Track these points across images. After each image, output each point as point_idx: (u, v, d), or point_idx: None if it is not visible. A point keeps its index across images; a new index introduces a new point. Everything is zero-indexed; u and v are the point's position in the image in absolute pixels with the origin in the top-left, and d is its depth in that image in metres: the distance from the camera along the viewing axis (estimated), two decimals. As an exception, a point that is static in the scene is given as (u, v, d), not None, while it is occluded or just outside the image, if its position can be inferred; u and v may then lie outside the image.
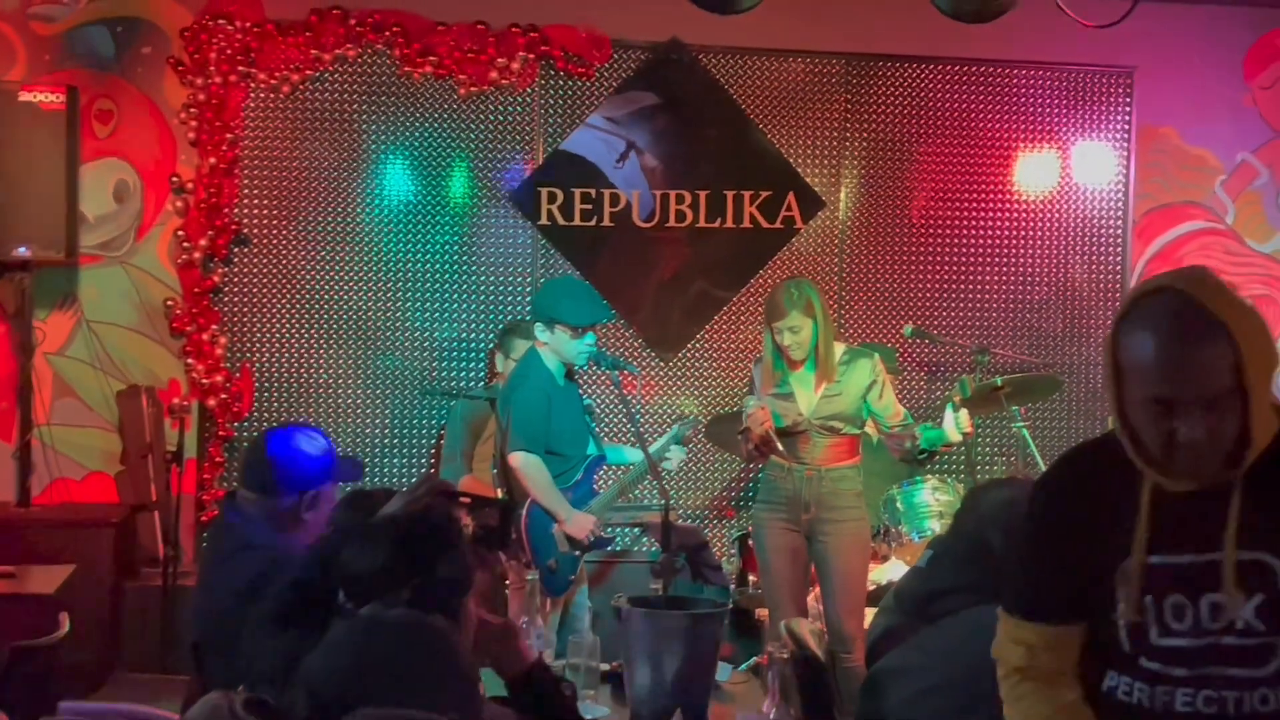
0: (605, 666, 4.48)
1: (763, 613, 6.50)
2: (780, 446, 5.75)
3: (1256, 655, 2.46)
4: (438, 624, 2.88)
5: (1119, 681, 2.59)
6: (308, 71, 7.46)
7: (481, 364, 7.62)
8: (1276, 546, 2.44)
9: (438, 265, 7.65)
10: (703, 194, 7.80)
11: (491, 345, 7.40)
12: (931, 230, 8.06)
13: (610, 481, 6.36)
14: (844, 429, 5.85)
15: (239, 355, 7.46)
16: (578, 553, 5.97)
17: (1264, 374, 2.40)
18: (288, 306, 7.52)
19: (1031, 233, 8.13)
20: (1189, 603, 2.49)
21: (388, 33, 7.49)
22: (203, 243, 7.33)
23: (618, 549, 7.14)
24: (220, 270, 7.42)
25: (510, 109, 7.67)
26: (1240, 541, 2.45)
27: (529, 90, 7.66)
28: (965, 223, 8.09)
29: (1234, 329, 2.37)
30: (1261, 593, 2.44)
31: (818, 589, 6.12)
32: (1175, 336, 2.38)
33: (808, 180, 7.92)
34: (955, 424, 5.72)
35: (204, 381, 7.34)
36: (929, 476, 6.72)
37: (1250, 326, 2.39)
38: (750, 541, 6.92)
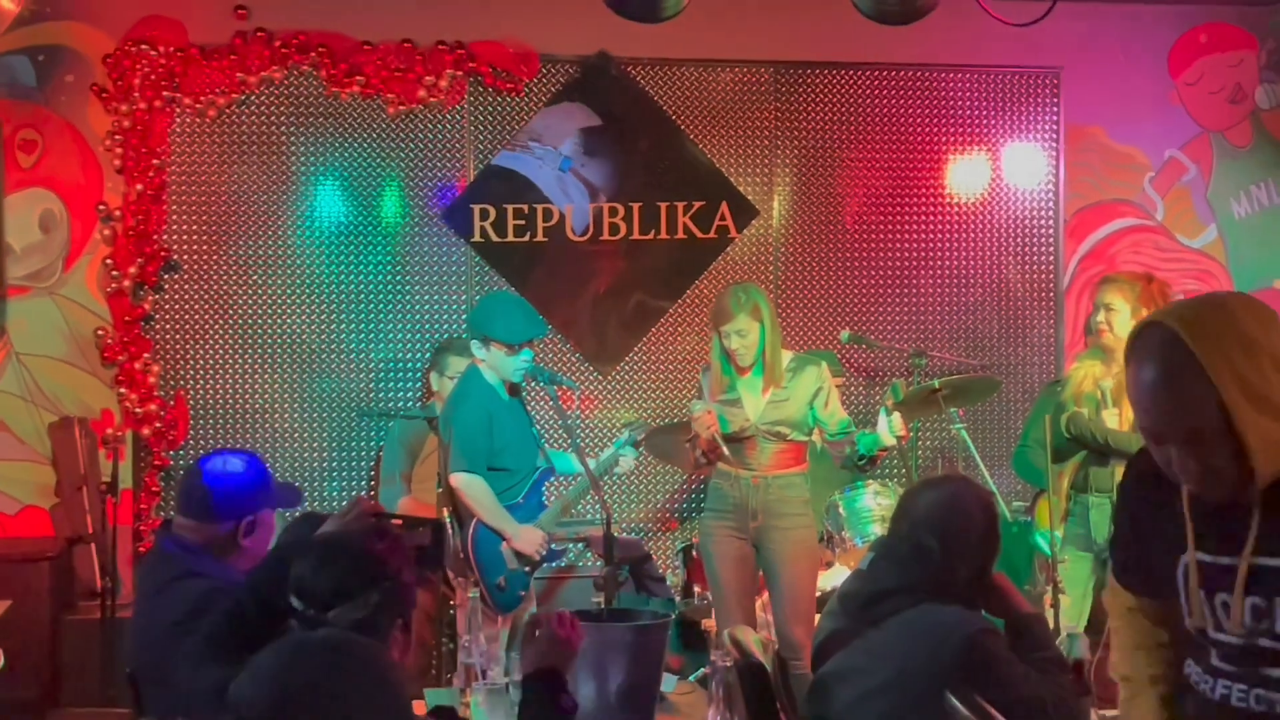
0: (550, 682, 4.44)
1: (709, 623, 6.49)
2: (727, 451, 5.75)
3: None
4: (362, 643, 2.85)
5: (1192, 669, 2.66)
6: (233, 95, 7.40)
7: (419, 384, 7.58)
8: None
9: (372, 286, 7.61)
10: (636, 206, 7.79)
11: (426, 365, 7.37)
12: (865, 235, 8.09)
13: (558, 495, 6.34)
14: (790, 435, 5.86)
15: (172, 383, 7.39)
16: (527, 569, 5.94)
17: (1260, 404, 2.37)
18: (221, 332, 7.45)
19: (964, 235, 8.17)
20: (1235, 603, 2.52)
21: (313, 54, 7.44)
22: (132, 270, 7.25)
23: (564, 564, 7.11)
24: (151, 298, 7.35)
25: (440, 127, 7.64)
26: (1268, 549, 2.48)
27: (458, 108, 7.63)
28: (898, 227, 8.12)
29: (1214, 370, 2.36)
30: None
31: (766, 596, 6.12)
32: (1155, 374, 2.42)
33: (740, 189, 7.93)
34: (889, 428, 5.75)
35: (138, 411, 7.26)
36: (870, 481, 6.73)
37: (1243, 365, 2.37)
38: (695, 553, 6.91)
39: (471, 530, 5.84)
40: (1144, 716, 2.85)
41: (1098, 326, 6.14)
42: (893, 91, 8.11)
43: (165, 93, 7.29)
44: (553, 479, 6.30)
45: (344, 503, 7.36)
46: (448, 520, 5.96)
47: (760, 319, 5.79)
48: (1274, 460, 2.41)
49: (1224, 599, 2.52)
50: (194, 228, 7.43)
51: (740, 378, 5.89)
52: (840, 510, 6.76)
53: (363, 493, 7.44)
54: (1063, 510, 6.14)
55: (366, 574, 3.09)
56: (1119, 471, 6.01)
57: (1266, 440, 2.38)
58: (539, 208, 7.70)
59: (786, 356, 5.94)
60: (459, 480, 5.83)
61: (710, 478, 6.03)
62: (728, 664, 3.87)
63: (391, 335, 7.63)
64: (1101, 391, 6.03)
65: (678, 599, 7.02)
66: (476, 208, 7.66)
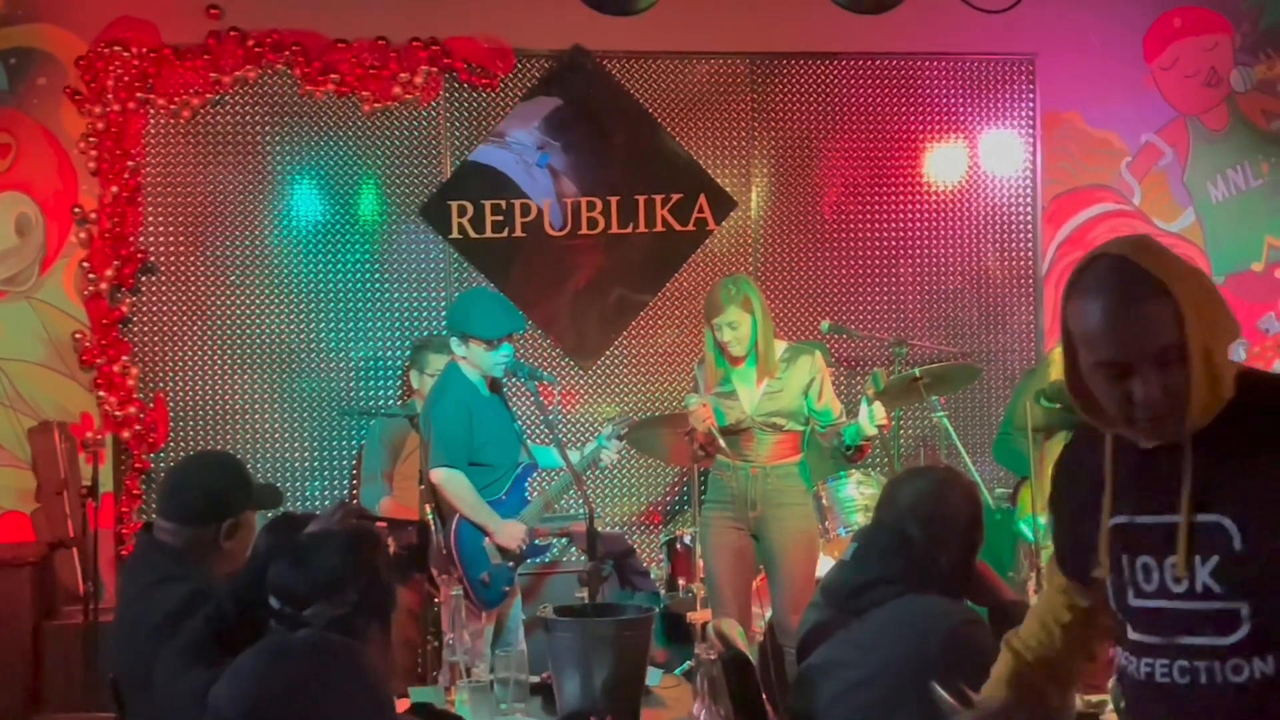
0: (535, 679, 4.45)
1: (695, 616, 6.48)
2: (723, 444, 5.78)
3: (1220, 622, 2.44)
4: (342, 643, 2.85)
5: (1122, 655, 2.62)
6: (208, 95, 7.37)
7: (399, 382, 7.56)
8: (1232, 509, 2.42)
9: (350, 284, 7.58)
10: (614, 200, 7.78)
11: (406, 363, 7.35)
12: (844, 225, 8.09)
13: (540, 491, 6.33)
14: (787, 425, 5.90)
15: (152, 385, 7.36)
16: (511, 564, 5.94)
17: (1210, 332, 2.39)
18: (199, 333, 7.43)
19: (943, 223, 8.17)
20: (1155, 564, 2.49)
21: (287, 52, 7.41)
22: (109, 273, 7.22)
23: (549, 559, 7.11)
24: (128, 300, 7.32)
25: (416, 123, 7.62)
26: (1197, 504, 2.45)
27: (433, 104, 7.61)
28: (877, 216, 8.12)
29: (1173, 287, 2.36)
30: (1217, 555, 2.42)
31: (758, 583, 6.14)
32: (1116, 298, 2.39)
33: (718, 181, 7.92)
34: (870, 418, 5.77)
35: (117, 414, 7.23)
36: (853, 471, 6.73)
37: (1193, 286, 2.39)
38: (679, 546, 6.93)
39: (454, 526, 5.83)
40: (994, 672, 2.91)
41: None
42: (869, 81, 8.10)
43: (139, 94, 7.26)
44: (535, 474, 6.30)
45: (326, 502, 7.37)
46: (430, 518, 5.97)
47: (751, 310, 5.82)
48: (1215, 386, 2.41)
49: (1145, 561, 2.50)
50: (170, 229, 7.40)
51: (734, 369, 5.92)
52: (824, 500, 6.75)
53: (344, 492, 7.43)
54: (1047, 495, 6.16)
55: (344, 572, 3.09)
56: None
57: (1209, 363, 2.39)
58: (516, 203, 7.69)
59: (780, 347, 5.97)
60: (439, 476, 5.82)
61: (700, 470, 6.06)
62: (712, 657, 3.88)
63: (371, 334, 7.61)
64: None
65: (663, 592, 7.02)
66: (454, 204, 7.64)
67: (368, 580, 3.10)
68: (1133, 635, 2.56)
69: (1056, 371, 6.22)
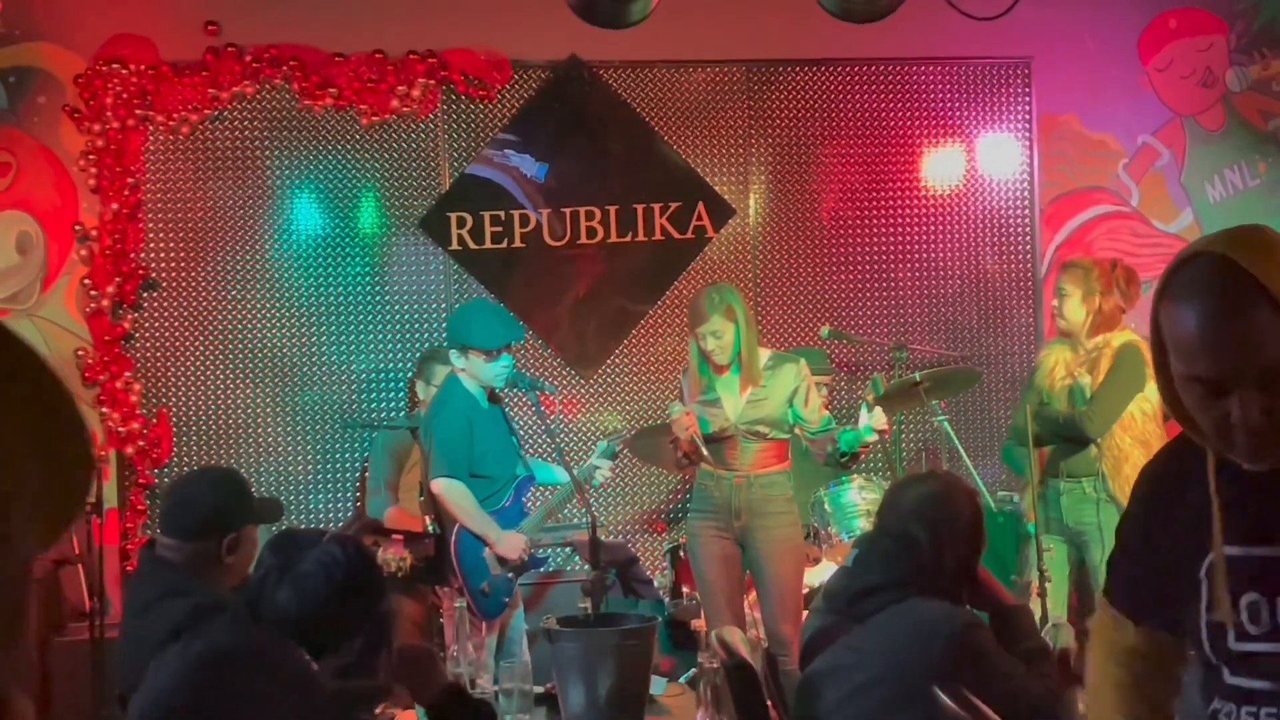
0: (539, 689, 4.46)
1: (699, 624, 6.50)
2: (706, 452, 5.79)
3: None
4: (249, 644, 2.86)
5: (1220, 705, 2.29)
6: (206, 111, 7.40)
7: (402, 394, 7.58)
8: None
9: (351, 297, 7.60)
10: (612, 209, 7.80)
11: (411, 374, 7.37)
12: (842, 231, 8.10)
13: (541, 502, 6.34)
14: (770, 434, 5.89)
15: (155, 401, 7.38)
16: (511, 574, 5.95)
17: None
18: (201, 348, 7.45)
19: (941, 227, 8.19)
20: (1265, 602, 2.19)
21: (285, 67, 7.44)
22: (110, 290, 7.24)
23: (551, 569, 7.11)
24: (130, 316, 7.34)
25: (414, 136, 7.64)
26: None
27: (431, 116, 7.63)
28: (875, 222, 8.13)
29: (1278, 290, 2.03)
30: None
31: (754, 594, 6.14)
32: (1213, 307, 2.07)
33: (716, 189, 7.94)
34: (870, 423, 5.78)
35: (120, 430, 7.25)
36: (854, 476, 6.74)
37: None
38: (682, 554, 6.93)
39: (454, 536, 5.84)
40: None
41: (1055, 313, 6.21)
42: (865, 87, 8.12)
43: (138, 111, 7.28)
44: (534, 486, 6.31)
45: (329, 515, 7.38)
46: (430, 529, 5.98)
47: (735, 319, 5.82)
48: None
49: (1251, 599, 2.19)
50: (171, 245, 7.42)
51: (718, 378, 5.92)
52: (826, 506, 6.77)
53: (347, 504, 7.43)
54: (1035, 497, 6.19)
55: (346, 627, 3.11)
56: (1094, 454, 6.06)
57: None
58: (515, 214, 7.70)
59: (764, 355, 5.98)
60: (440, 486, 5.83)
61: (696, 478, 6.06)
62: (715, 665, 3.89)
63: (372, 346, 7.62)
64: (1081, 389, 6.06)
65: (666, 600, 7.03)
66: (453, 216, 7.66)
67: (369, 625, 3.13)
68: (1231, 680, 2.25)
69: (1043, 377, 6.23)
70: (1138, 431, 6.08)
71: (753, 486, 5.88)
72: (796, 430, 5.99)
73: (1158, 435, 6.07)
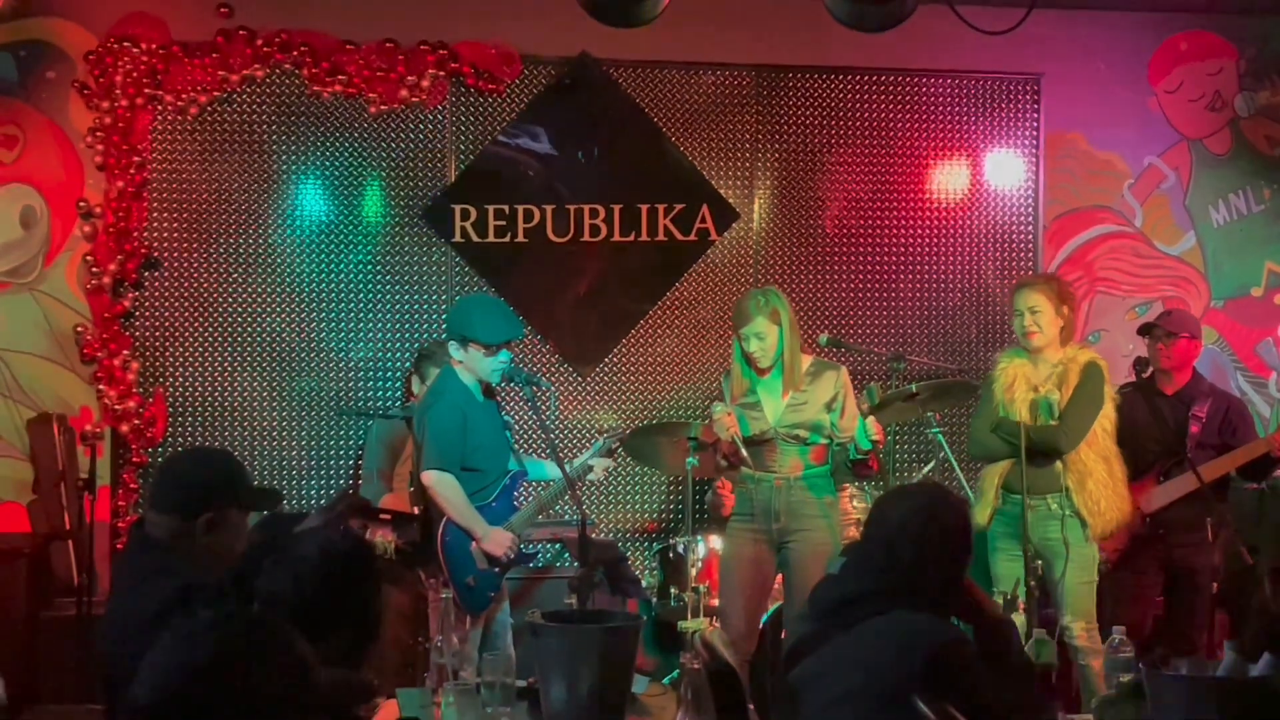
0: (522, 683, 4.46)
1: (686, 625, 6.50)
2: (746, 455, 5.81)
3: None
4: (242, 624, 2.87)
5: None
6: (215, 93, 7.41)
7: (399, 384, 7.58)
8: None
9: (352, 285, 7.61)
10: (617, 208, 7.81)
11: (409, 368, 7.37)
12: (845, 239, 8.11)
13: (531, 497, 6.34)
14: (809, 438, 5.92)
15: (152, 380, 7.38)
16: (497, 570, 5.94)
17: None
18: (201, 330, 7.45)
19: (944, 239, 8.20)
20: None
21: (296, 52, 7.44)
22: (112, 268, 7.25)
23: (540, 565, 7.11)
24: (131, 295, 7.35)
25: (421, 127, 7.65)
26: None
27: (440, 107, 7.64)
28: (878, 231, 8.14)
29: None
30: None
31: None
32: None
33: (721, 192, 7.95)
34: (863, 432, 5.80)
35: (116, 408, 7.26)
36: (846, 485, 6.75)
37: None
38: (671, 554, 6.94)
39: (441, 529, 5.83)
40: None
41: (1026, 330, 6.15)
42: (874, 96, 8.13)
43: (147, 90, 7.30)
44: (525, 483, 6.30)
45: (323, 502, 7.38)
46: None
47: (779, 322, 5.86)
48: None
49: None
50: (175, 225, 7.43)
51: (760, 380, 5.96)
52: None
53: (343, 491, 7.42)
54: (992, 509, 6.16)
55: (339, 617, 3.11)
56: (1058, 469, 6.03)
57: None
58: (519, 208, 7.71)
59: (807, 361, 6.00)
60: (431, 478, 5.82)
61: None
62: (697, 667, 3.89)
63: (371, 335, 7.63)
64: (1050, 403, 6.04)
65: (654, 601, 7.04)
66: (457, 208, 7.67)
67: (356, 619, 3.13)
68: None
69: (1001, 390, 6.20)
70: (1100, 448, 6.08)
71: (792, 489, 5.90)
72: (832, 436, 6.00)
73: (1115, 453, 6.10)
